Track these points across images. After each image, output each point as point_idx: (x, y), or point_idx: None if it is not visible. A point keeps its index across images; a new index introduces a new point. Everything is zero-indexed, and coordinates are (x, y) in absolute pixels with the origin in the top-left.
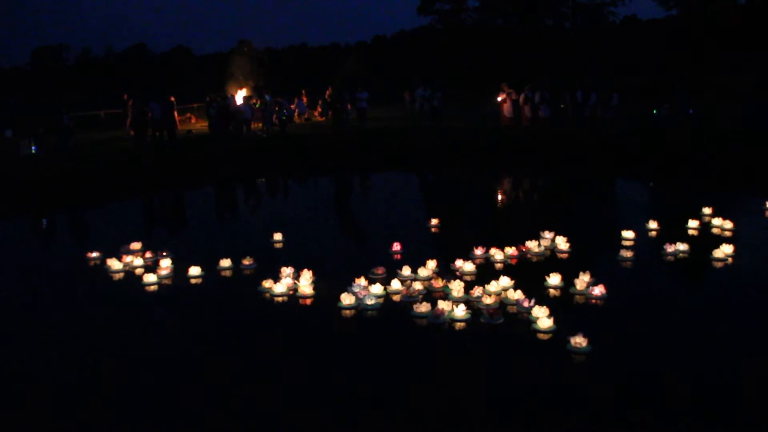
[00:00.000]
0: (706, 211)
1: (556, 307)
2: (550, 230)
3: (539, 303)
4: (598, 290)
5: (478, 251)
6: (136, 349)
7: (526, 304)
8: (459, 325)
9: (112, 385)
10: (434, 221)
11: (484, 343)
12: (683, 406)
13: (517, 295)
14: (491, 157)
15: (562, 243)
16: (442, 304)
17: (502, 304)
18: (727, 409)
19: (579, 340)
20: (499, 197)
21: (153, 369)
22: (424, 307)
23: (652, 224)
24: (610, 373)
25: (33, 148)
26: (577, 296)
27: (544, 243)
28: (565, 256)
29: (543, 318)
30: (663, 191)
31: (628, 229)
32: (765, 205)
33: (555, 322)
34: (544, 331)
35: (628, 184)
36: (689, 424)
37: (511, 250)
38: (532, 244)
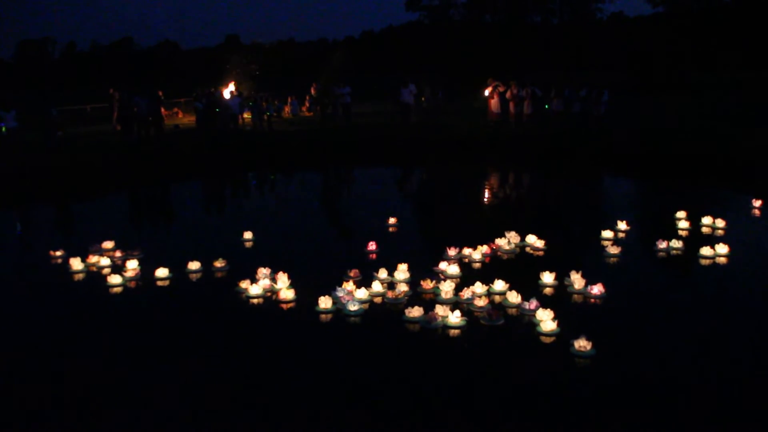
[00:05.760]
0: (680, 214)
1: (554, 307)
2: (526, 227)
3: (542, 305)
4: (597, 289)
5: (452, 252)
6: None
7: (532, 305)
8: (454, 331)
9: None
10: (392, 220)
11: (485, 345)
12: (688, 408)
13: (517, 297)
14: (473, 152)
15: (536, 241)
16: (439, 309)
17: (500, 305)
18: (732, 410)
19: (583, 344)
20: (476, 194)
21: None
22: (416, 312)
23: (621, 225)
24: (614, 376)
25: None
26: (576, 296)
27: (514, 240)
28: (540, 253)
29: (547, 321)
30: (647, 189)
31: (606, 228)
32: (752, 203)
33: (558, 325)
34: (548, 334)
35: (612, 182)
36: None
37: (484, 249)
38: (502, 242)
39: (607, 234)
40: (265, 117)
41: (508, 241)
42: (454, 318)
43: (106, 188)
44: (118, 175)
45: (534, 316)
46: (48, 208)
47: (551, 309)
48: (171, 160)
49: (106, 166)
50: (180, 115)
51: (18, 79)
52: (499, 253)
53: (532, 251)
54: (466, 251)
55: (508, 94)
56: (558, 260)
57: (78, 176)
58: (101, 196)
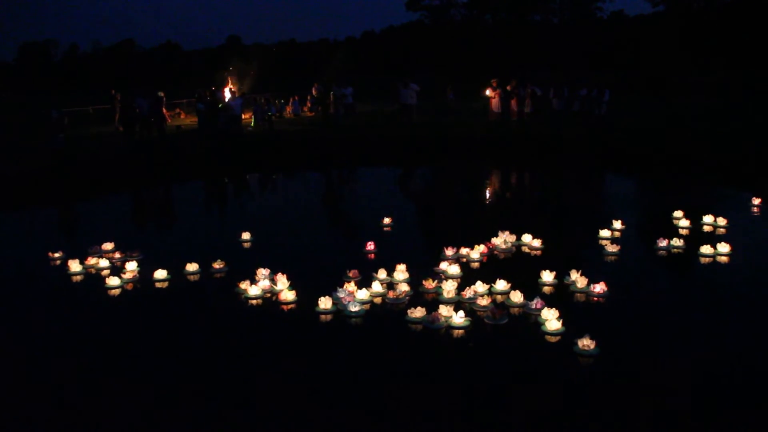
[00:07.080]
0: (677, 214)
1: (556, 306)
2: (524, 225)
3: (547, 305)
4: (600, 288)
5: (449, 251)
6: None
7: (538, 305)
8: (458, 331)
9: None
10: (387, 220)
11: (489, 345)
12: (690, 407)
13: (521, 297)
14: (473, 151)
15: (532, 240)
16: (442, 309)
17: (503, 305)
18: (733, 409)
19: (587, 343)
20: (475, 193)
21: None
22: (419, 312)
23: (617, 224)
24: (617, 375)
25: None
26: (578, 294)
27: (509, 240)
28: (538, 252)
29: (552, 320)
30: (647, 187)
31: (604, 226)
32: (752, 201)
33: (563, 324)
34: (552, 333)
35: (613, 180)
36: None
37: (481, 248)
38: (498, 241)
39: (605, 233)
40: (266, 117)
41: (504, 241)
42: (458, 318)
43: (107, 189)
44: (120, 176)
45: (539, 315)
46: (48, 209)
47: (555, 308)
48: (172, 161)
49: (108, 167)
50: (182, 116)
51: (20, 82)
52: (495, 252)
53: (529, 250)
54: (464, 251)
55: (508, 88)
56: (556, 259)
57: (80, 177)
58: (102, 196)
